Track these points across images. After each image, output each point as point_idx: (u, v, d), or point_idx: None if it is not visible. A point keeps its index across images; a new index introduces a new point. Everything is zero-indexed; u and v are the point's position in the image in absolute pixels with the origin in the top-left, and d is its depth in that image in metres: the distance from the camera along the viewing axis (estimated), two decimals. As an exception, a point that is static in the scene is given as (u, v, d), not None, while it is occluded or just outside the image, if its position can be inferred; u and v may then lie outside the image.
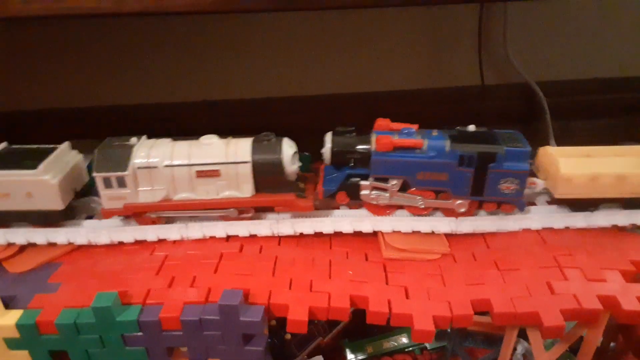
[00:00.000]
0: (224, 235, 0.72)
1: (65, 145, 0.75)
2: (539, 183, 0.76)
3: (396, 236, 0.71)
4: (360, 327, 0.88)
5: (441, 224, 0.70)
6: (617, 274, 0.62)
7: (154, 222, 0.73)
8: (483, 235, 0.71)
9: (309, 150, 0.85)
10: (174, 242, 0.72)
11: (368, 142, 0.70)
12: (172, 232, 0.72)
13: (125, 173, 0.68)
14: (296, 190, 0.72)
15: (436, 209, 0.73)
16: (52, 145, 0.75)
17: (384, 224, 0.71)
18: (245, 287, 0.62)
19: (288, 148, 0.69)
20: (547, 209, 0.74)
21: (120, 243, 0.73)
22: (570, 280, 0.62)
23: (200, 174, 0.68)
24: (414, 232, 0.71)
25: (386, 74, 1.45)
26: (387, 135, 0.69)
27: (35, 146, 0.75)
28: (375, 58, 1.43)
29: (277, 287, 0.63)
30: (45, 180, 0.69)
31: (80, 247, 0.73)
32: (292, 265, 0.67)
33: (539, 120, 1.48)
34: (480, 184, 0.69)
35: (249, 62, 1.35)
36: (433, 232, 0.71)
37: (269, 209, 0.73)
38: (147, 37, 1.28)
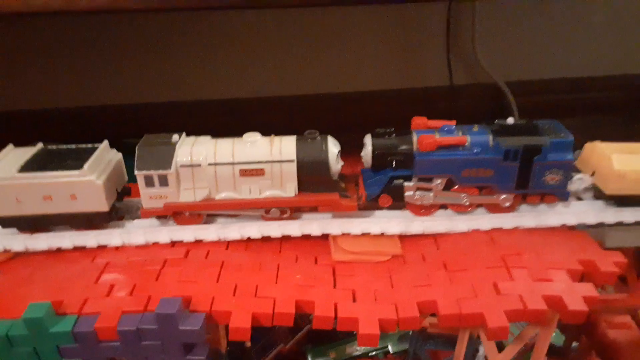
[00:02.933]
0: (167, 240, 0.70)
1: (104, 144, 0.73)
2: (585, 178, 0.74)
3: (348, 238, 0.70)
4: (324, 332, 0.87)
5: (392, 226, 0.69)
6: (564, 273, 0.62)
7: (191, 222, 0.71)
8: (434, 236, 0.70)
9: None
10: (116, 248, 0.70)
11: (410, 142, 0.69)
12: (113, 237, 0.70)
13: (169, 171, 0.66)
14: (339, 190, 0.70)
15: (480, 205, 0.72)
16: (90, 145, 0.72)
17: (333, 227, 0.69)
18: (187, 294, 0.60)
19: (333, 147, 0.68)
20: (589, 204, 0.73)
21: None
22: (516, 281, 0.61)
23: (245, 173, 0.67)
24: (365, 234, 0.70)
25: (357, 75, 1.44)
26: (430, 135, 0.68)
27: (73, 146, 0.72)
28: (346, 59, 1.42)
29: (221, 293, 0.61)
30: (90, 181, 0.66)
31: (18, 255, 0.70)
32: (239, 270, 0.65)
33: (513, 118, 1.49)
34: (525, 177, 0.68)
35: (220, 62, 1.33)
36: (383, 234, 0.69)
37: (313, 209, 0.71)
38: (115, 37, 1.25)
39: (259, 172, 0.67)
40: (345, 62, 1.41)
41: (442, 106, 1.51)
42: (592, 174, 0.75)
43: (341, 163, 0.69)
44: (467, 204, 0.71)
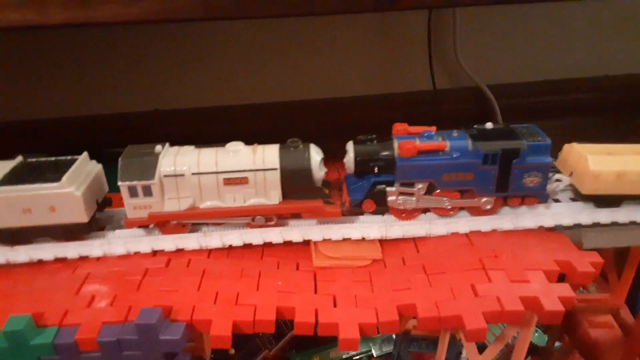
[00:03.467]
0: (149, 250, 0.70)
1: (84, 156, 0.73)
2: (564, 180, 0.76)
3: (329, 244, 0.70)
4: (309, 337, 0.88)
5: (372, 231, 0.70)
6: (540, 274, 0.63)
7: (177, 231, 0.71)
8: (415, 240, 0.71)
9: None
10: (98, 259, 0.70)
11: (391, 148, 0.70)
12: (94, 248, 0.70)
13: (152, 181, 0.66)
14: (323, 197, 0.71)
15: (461, 208, 0.73)
16: (70, 157, 0.72)
17: (314, 233, 0.70)
18: (168, 303, 0.61)
19: (315, 154, 0.69)
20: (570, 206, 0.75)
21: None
22: (494, 282, 0.62)
23: (228, 182, 0.68)
24: (345, 240, 0.70)
25: (341, 81, 1.46)
26: (410, 140, 0.69)
27: (52, 158, 0.72)
28: (330, 66, 1.43)
29: (202, 302, 0.61)
30: (69, 193, 0.66)
31: (-2, 268, 0.70)
32: (220, 278, 0.66)
33: (493, 122, 1.50)
34: (504, 180, 0.70)
35: (204, 71, 1.33)
36: (364, 239, 0.70)
37: (296, 216, 0.72)
38: (94, 47, 1.25)
39: (243, 181, 0.68)
40: (329, 68, 1.42)
41: (427, 110, 1.53)
42: (570, 175, 0.76)
43: (324, 170, 0.69)
44: (449, 207, 0.72)
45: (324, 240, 0.70)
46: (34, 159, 0.73)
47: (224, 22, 1.29)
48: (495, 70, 1.52)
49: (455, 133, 0.71)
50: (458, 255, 0.67)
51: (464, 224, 0.72)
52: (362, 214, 0.74)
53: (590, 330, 0.91)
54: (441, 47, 1.47)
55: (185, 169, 0.67)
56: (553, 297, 0.60)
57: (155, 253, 0.70)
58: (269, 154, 0.68)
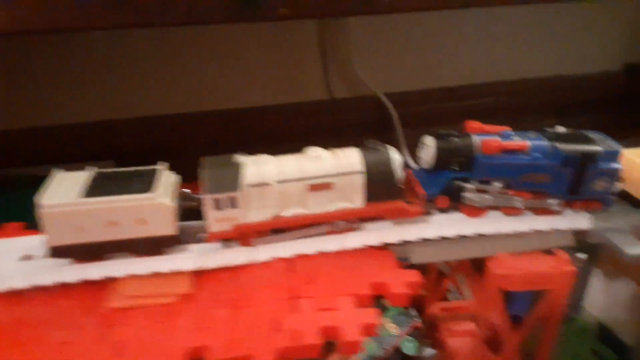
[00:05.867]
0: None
1: (163, 166, 0.71)
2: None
3: (133, 281, 0.65)
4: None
5: (184, 263, 0.67)
6: (350, 300, 0.62)
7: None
8: (234, 269, 0.68)
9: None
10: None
11: (472, 145, 0.70)
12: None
13: (238, 192, 0.65)
14: (404, 198, 0.71)
15: (531, 208, 0.73)
16: (149, 167, 0.70)
17: (118, 269, 0.65)
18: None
19: (396, 155, 0.70)
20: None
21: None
22: (300, 313, 0.60)
23: (314, 188, 0.68)
24: (154, 274, 0.65)
25: (235, 92, 1.43)
26: (495, 139, 0.69)
27: (132, 169, 0.70)
28: (223, 75, 1.40)
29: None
30: (162, 204, 0.64)
31: None
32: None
33: (391, 131, 1.52)
34: (578, 184, 0.71)
35: (89, 83, 1.28)
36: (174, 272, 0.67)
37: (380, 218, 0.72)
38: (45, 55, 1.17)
39: (328, 186, 0.68)
40: (222, 79, 1.40)
41: (326, 120, 1.53)
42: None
43: (404, 172, 0.71)
44: (522, 207, 0.73)
45: (128, 276, 0.65)
46: (109, 170, 0.70)
47: (111, 32, 1.24)
48: (392, 79, 1.53)
49: (532, 134, 0.72)
50: (274, 284, 0.64)
51: (286, 249, 0.69)
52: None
53: (449, 340, 0.93)
54: (337, 56, 1.47)
55: (271, 178, 0.66)
56: (354, 326, 0.58)
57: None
58: (352, 158, 0.69)
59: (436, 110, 1.59)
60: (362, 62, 1.48)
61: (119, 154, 1.32)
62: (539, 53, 1.60)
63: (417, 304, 1.06)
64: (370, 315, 0.61)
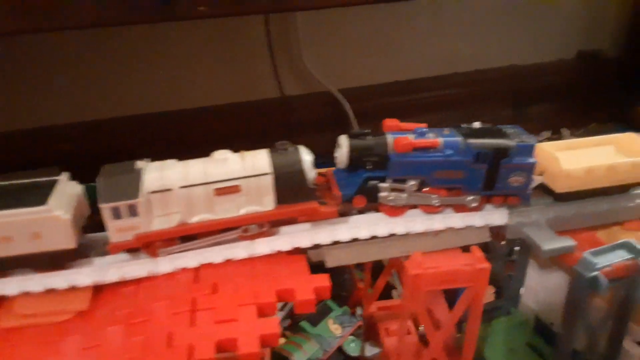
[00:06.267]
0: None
1: (64, 176, 0.66)
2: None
3: (27, 299, 0.62)
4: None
5: (81, 277, 0.63)
6: (252, 309, 0.60)
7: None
8: (138, 281, 0.66)
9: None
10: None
11: (385, 144, 0.69)
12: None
13: (137, 200, 0.62)
14: (316, 198, 0.69)
15: (448, 205, 0.73)
16: (49, 178, 0.65)
17: (11, 286, 0.61)
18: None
19: (306, 155, 0.67)
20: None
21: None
22: (196, 327, 0.57)
23: (220, 192, 0.65)
24: (50, 290, 0.62)
25: (187, 92, 1.40)
26: (405, 137, 0.69)
27: (30, 180, 0.65)
28: (174, 76, 1.37)
29: None
30: (57, 217, 0.61)
31: None
32: None
33: (347, 127, 1.50)
34: (492, 179, 0.71)
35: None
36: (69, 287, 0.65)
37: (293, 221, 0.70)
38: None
39: (235, 190, 0.65)
40: (168, 79, 1.36)
41: (278, 118, 1.50)
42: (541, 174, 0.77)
43: (315, 171, 0.69)
44: (438, 204, 0.72)
45: (23, 293, 0.62)
46: (2, 182, 0.65)
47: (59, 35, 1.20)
48: (346, 74, 1.51)
49: (446, 131, 0.71)
50: (175, 296, 0.61)
51: (191, 258, 0.66)
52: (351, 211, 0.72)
53: (386, 339, 0.92)
54: (286, 52, 1.44)
55: (173, 183, 0.64)
56: (253, 337, 0.55)
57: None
58: (259, 159, 0.66)
59: (392, 104, 1.58)
60: (313, 58, 1.46)
61: (62, 159, 1.28)
62: (493, 43, 1.59)
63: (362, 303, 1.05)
64: (271, 324, 0.59)
